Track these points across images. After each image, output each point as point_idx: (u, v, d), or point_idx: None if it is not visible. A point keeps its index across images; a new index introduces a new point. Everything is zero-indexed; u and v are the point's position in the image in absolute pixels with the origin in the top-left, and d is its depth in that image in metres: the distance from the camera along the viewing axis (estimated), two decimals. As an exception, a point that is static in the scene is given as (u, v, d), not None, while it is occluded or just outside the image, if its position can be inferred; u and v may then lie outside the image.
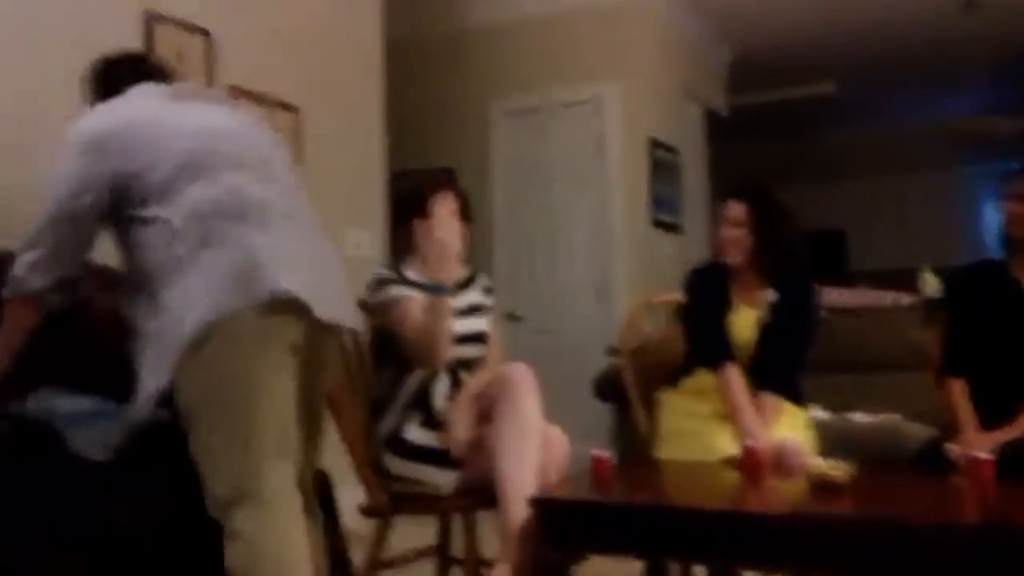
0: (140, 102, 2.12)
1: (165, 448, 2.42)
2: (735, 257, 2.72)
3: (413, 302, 2.52)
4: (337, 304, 2.06)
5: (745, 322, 2.73)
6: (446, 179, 2.74)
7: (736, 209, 2.70)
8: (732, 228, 2.70)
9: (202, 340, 1.89)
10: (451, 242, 2.45)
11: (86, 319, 2.64)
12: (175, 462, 2.39)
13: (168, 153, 2.00)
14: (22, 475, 2.03)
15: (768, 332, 2.69)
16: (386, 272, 2.62)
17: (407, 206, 2.65)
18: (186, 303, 1.91)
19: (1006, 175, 2.72)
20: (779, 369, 2.69)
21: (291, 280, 1.93)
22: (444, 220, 2.49)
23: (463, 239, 2.54)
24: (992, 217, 9.79)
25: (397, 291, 2.55)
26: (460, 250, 2.53)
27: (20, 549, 1.97)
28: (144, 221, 2.00)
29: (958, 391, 2.53)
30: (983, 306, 2.60)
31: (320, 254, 2.09)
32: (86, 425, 2.28)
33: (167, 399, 2.01)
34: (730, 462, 2.49)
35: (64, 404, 2.34)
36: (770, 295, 2.72)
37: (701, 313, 2.77)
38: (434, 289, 2.42)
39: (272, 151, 2.18)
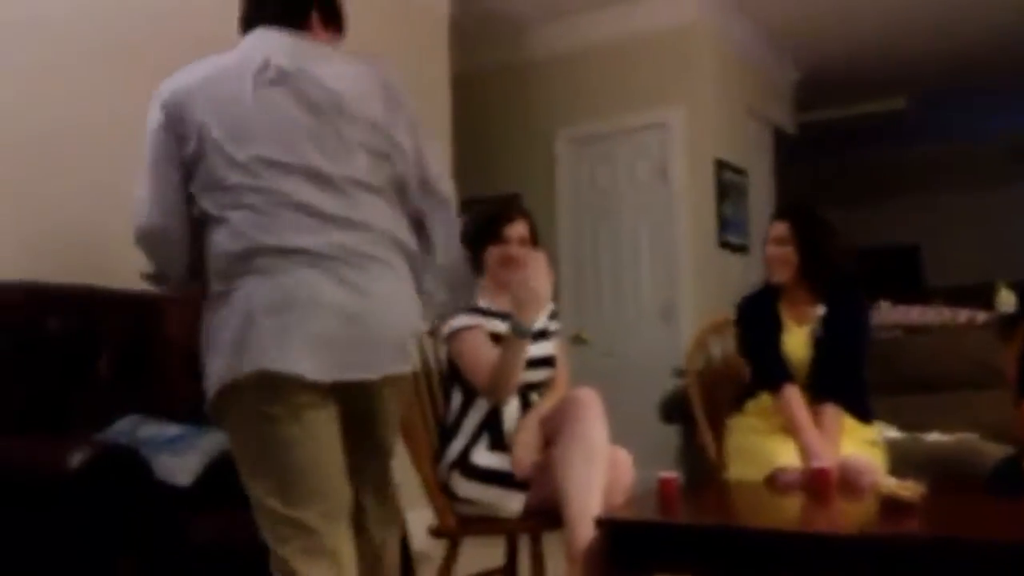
0: (223, 59, 1.86)
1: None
2: (782, 275, 2.78)
3: (481, 334, 2.58)
4: (370, 355, 1.78)
5: (798, 340, 2.77)
6: (517, 206, 2.80)
7: (779, 228, 2.80)
8: (777, 246, 2.79)
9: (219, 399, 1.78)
10: (543, 292, 2.50)
11: (162, 343, 2.78)
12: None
13: (211, 138, 1.76)
14: (111, 502, 2.14)
15: (822, 345, 2.73)
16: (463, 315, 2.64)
17: (481, 232, 2.71)
18: (207, 356, 1.79)
19: None
20: (836, 380, 2.71)
21: (278, 356, 1.69)
22: (538, 269, 2.52)
23: (552, 285, 2.57)
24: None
25: (469, 320, 2.60)
26: (549, 298, 2.57)
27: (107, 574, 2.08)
28: (205, 219, 1.81)
29: None
30: None
31: (364, 291, 1.77)
32: (169, 451, 2.38)
33: None
34: (784, 472, 2.49)
35: (148, 431, 2.46)
36: (820, 310, 2.77)
37: (755, 340, 2.84)
38: (519, 332, 2.47)
39: (373, 142, 1.86)
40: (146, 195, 1.85)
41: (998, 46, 6.24)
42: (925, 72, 6.76)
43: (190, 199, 1.83)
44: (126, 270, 2.99)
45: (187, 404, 2.70)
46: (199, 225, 1.83)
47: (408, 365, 1.88)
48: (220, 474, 2.44)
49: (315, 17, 1.97)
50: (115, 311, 2.72)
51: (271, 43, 1.87)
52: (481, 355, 2.56)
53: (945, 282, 8.32)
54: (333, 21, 2.03)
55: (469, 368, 2.57)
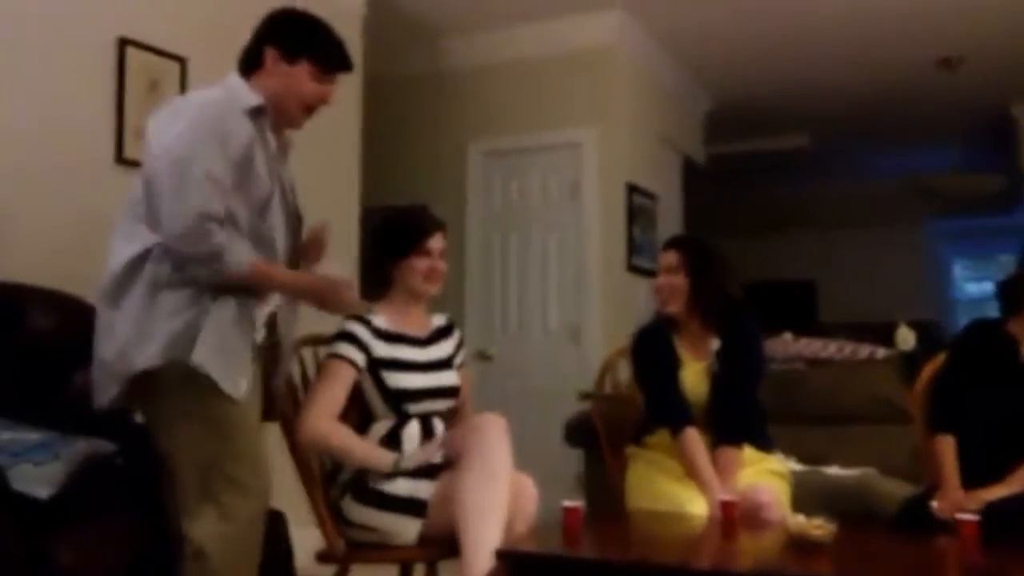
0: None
1: (111, 482, 2.31)
2: (674, 305, 2.73)
3: (346, 374, 2.43)
4: None
5: (695, 376, 2.72)
6: (436, 218, 2.64)
7: (669, 257, 2.76)
8: (667, 275, 2.74)
9: None
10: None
11: (25, 342, 2.54)
12: (121, 497, 2.29)
13: None
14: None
15: (718, 383, 2.68)
16: (352, 325, 2.48)
17: (400, 242, 2.54)
18: None
19: None
20: (735, 419, 2.66)
21: None
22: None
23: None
24: (960, 273, 9.92)
25: (347, 350, 2.45)
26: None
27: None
28: None
29: (947, 448, 2.47)
30: (980, 364, 2.56)
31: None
32: (30, 460, 2.15)
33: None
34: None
35: (8, 436, 2.22)
36: (715, 344, 2.72)
37: (653, 376, 2.77)
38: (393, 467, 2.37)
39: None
40: None
41: (902, 90, 6.45)
42: (830, 111, 6.94)
43: None
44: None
45: (50, 408, 2.47)
46: None
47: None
48: (83, 485, 2.23)
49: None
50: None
51: None
52: (327, 395, 2.40)
53: (838, 319, 8.56)
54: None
55: (311, 398, 2.40)
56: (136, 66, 3.41)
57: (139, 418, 2.80)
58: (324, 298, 2.23)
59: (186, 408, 2.09)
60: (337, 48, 2.33)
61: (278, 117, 2.28)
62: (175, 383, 2.07)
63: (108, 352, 2.12)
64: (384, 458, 2.36)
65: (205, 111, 2.12)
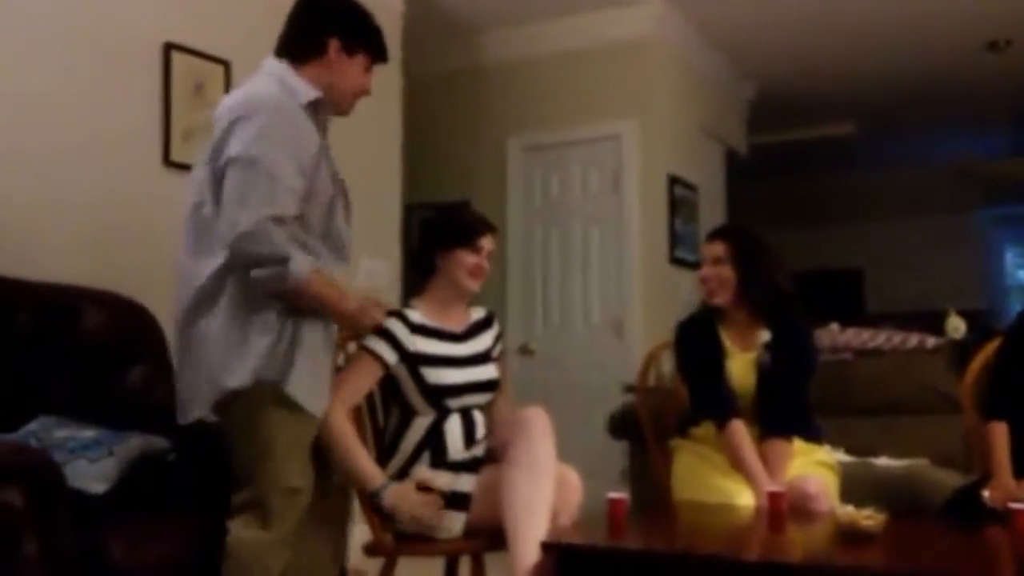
0: None
1: (164, 479, 2.36)
2: (721, 296, 2.68)
3: (373, 369, 2.43)
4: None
5: (742, 368, 2.68)
6: (488, 221, 2.65)
7: (715, 248, 2.70)
8: (713, 266, 2.68)
9: None
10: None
11: (80, 342, 2.60)
12: (174, 493, 2.34)
13: None
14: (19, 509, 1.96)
15: (767, 375, 2.64)
16: (390, 321, 2.45)
17: (451, 234, 2.54)
18: None
19: None
20: (784, 411, 2.62)
21: None
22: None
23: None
24: (1012, 261, 9.70)
25: (378, 345, 2.45)
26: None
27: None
28: None
29: (1000, 435, 2.42)
30: None
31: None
32: (85, 456, 2.21)
33: None
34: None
35: (62, 433, 2.28)
36: (764, 335, 2.66)
37: (698, 368, 2.73)
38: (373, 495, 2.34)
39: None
40: None
41: (950, 74, 6.32)
42: (876, 98, 6.82)
43: None
44: (43, 259, 2.83)
45: (106, 405, 2.53)
46: None
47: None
48: (137, 481, 2.28)
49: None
50: (27, 303, 2.53)
51: None
52: (352, 386, 2.41)
53: (886, 308, 8.43)
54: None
55: (335, 382, 2.37)
56: (181, 70, 3.47)
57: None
58: (357, 323, 2.25)
59: (270, 426, 2.09)
60: (383, 40, 2.33)
61: (331, 107, 2.27)
62: (263, 402, 2.07)
63: (195, 372, 2.10)
64: (368, 478, 2.33)
65: (277, 116, 2.08)
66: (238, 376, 2.04)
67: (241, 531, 2.09)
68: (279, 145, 2.04)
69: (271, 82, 2.17)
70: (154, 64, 3.39)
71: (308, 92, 2.17)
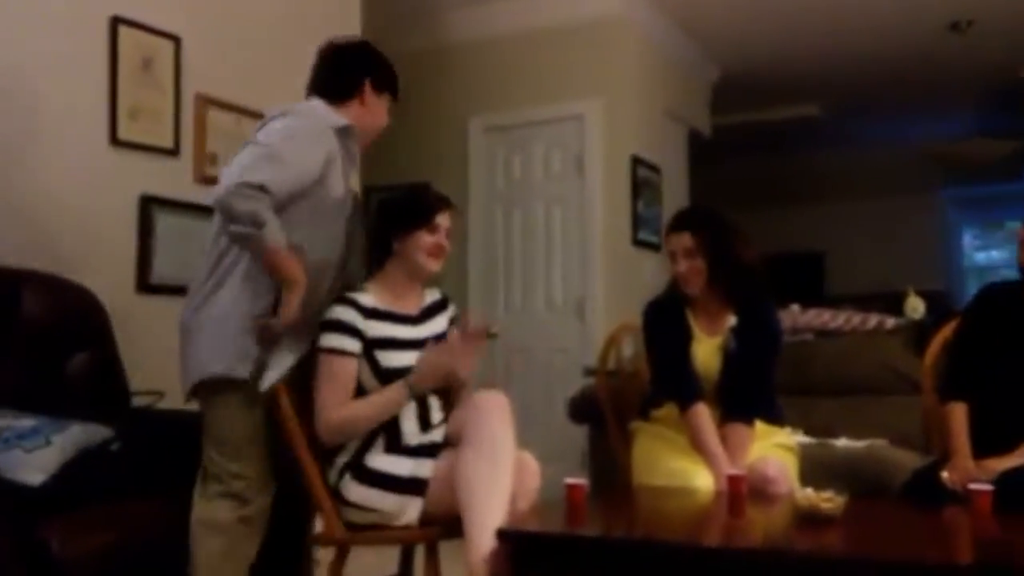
0: None
1: (106, 468, 2.28)
2: (696, 288, 2.62)
3: (348, 367, 2.36)
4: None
5: (707, 352, 2.65)
6: (445, 197, 2.58)
7: (683, 240, 2.61)
8: (685, 260, 2.61)
9: None
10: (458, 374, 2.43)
11: (21, 327, 2.50)
12: (117, 482, 2.26)
13: None
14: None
15: (732, 359, 2.60)
16: (339, 311, 2.39)
17: (406, 214, 2.47)
18: None
19: None
20: (747, 396, 2.60)
21: None
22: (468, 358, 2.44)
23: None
24: (969, 242, 9.80)
25: (339, 340, 2.37)
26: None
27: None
28: None
29: (959, 416, 2.41)
30: (995, 328, 2.49)
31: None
32: (20, 446, 2.12)
33: None
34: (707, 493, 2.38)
35: (1, 423, 2.19)
36: (731, 320, 2.63)
37: (664, 350, 2.69)
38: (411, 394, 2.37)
39: None
40: None
41: (913, 56, 6.33)
42: (839, 80, 6.83)
43: None
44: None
45: (47, 394, 2.45)
46: None
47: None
48: (78, 471, 2.20)
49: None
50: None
51: None
52: (337, 393, 2.34)
53: (846, 290, 8.48)
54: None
55: (318, 400, 2.34)
56: (129, 45, 3.35)
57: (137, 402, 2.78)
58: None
59: (242, 409, 2.29)
60: (398, 81, 2.72)
61: (358, 137, 2.54)
62: (234, 390, 2.28)
63: (188, 355, 2.33)
64: (398, 394, 2.34)
65: (307, 120, 2.37)
66: (220, 366, 2.27)
67: (212, 512, 2.25)
68: (299, 141, 2.28)
69: (312, 104, 2.50)
70: (100, 39, 3.27)
71: (338, 119, 2.44)
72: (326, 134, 2.37)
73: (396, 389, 2.34)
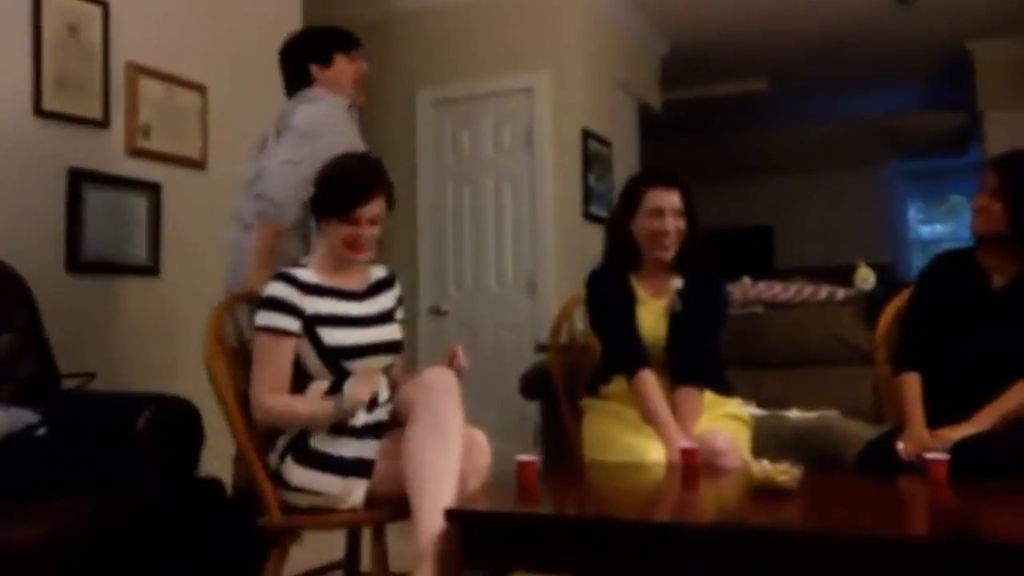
0: None
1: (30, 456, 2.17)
2: (673, 250, 2.57)
3: (286, 348, 2.27)
4: None
5: (653, 316, 2.60)
6: (376, 178, 2.39)
7: (674, 198, 2.56)
8: (675, 219, 2.56)
9: None
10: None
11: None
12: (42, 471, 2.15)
13: None
14: None
15: (679, 322, 2.56)
16: (276, 288, 2.30)
17: (329, 205, 2.33)
18: None
19: (979, 168, 2.62)
20: (695, 360, 2.55)
21: None
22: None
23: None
24: (914, 216, 9.93)
25: (276, 319, 2.27)
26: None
27: None
28: None
29: (913, 386, 2.38)
30: (949, 296, 2.47)
31: None
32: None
33: None
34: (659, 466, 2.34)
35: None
36: (677, 283, 2.59)
37: (608, 318, 2.64)
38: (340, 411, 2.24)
39: None
40: None
41: (860, 30, 6.34)
42: (787, 54, 6.83)
43: None
44: None
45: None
46: None
47: None
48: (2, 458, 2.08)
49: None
50: None
51: None
52: (273, 373, 2.25)
53: (794, 264, 8.53)
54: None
55: (253, 377, 2.26)
56: (53, 11, 3.19)
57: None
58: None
59: None
60: (344, 30, 3.04)
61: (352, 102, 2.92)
62: None
63: None
64: (328, 412, 2.23)
65: (334, 106, 2.83)
66: None
67: None
68: (333, 125, 2.74)
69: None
70: (22, 4, 3.10)
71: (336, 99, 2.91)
72: (345, 114, 2.88)
73: (329, 407, 2.24)
